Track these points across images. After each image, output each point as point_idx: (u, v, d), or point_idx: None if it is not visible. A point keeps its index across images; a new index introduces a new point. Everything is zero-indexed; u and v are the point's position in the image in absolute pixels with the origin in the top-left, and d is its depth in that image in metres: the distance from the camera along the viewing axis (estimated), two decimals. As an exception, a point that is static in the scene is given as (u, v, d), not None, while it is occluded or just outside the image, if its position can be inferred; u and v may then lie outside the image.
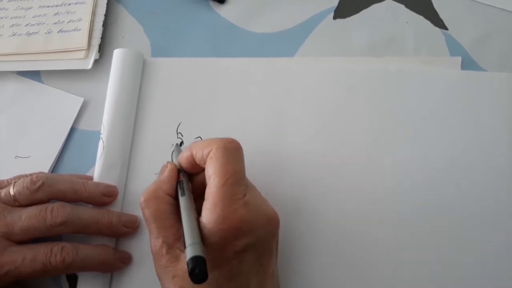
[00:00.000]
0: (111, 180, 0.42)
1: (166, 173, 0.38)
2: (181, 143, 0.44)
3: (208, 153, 0.35)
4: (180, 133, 0.45)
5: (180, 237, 0.34)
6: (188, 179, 0.38)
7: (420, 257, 0.40)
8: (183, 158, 0.38)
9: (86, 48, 0.48)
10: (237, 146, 0.36)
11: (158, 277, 0.35)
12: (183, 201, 0.35)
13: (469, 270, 0.39)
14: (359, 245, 0.40)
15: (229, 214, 0.33)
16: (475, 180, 0.41)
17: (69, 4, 0.51)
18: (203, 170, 0.36)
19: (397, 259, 0.40)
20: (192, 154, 0.37)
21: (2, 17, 0.51)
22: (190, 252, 0.31)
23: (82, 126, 0.47)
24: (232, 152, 0.35)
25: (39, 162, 0.45)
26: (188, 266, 0.30)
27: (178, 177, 0.38)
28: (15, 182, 0.39)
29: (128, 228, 0.41)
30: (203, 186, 0.35)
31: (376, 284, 0.39)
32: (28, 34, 0.50)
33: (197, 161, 0.36)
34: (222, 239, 0.33)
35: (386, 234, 0.40)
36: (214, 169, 0.34)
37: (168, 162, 0.39)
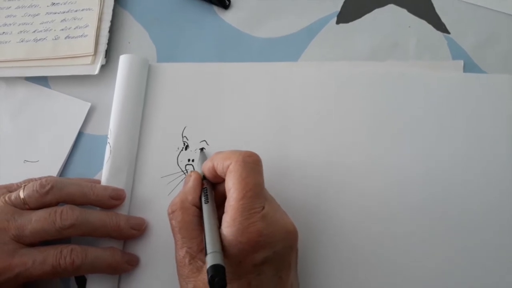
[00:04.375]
0: (118, 183, 0.43)
1: (190, 182, 0.39)
2: (186, 146, 0.45)
3: (228, 166, 0.36)
4: (185, 136, 0.45)
5: (203, 248, 0.34)
6: (212, 187, 0.39)
7: (423, 254, 0.40)
8: (205, 168, 0.39)
9: (92, 54, 0.49)
10: (256, 159, 0.36)
11: (180, 286, 0.35)
12: (206, 209, 0.36)
13: (470, 266, 0.40)
14: (360, 247, 0.41)
15: (247, 227, 0.33)
16: (478, 181, 0.42)
17: (76, 11, 0.51)
18: (224, 180, 0.36)
19: (400, 259, 0.40)
20: (213, 166, 0.38)
21: (10, 24, 0.52)
22: (210, 260, 0.31)
23: (89, 130, 0.47)
24: (251, 165, 0.35)
25: (48, 166, 0.46)
26: (208, 274, 0.30)
27: (202, 184, 0.39)
28: (25, 186, 0.40)
29: (135, 231, 0.41)
30: (224, 196, 0.36)
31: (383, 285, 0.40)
32: (36, 40, 0.50)
33: (218, 173, 0.37)
34: (240, 252, 0.33)
35: (387, 235, 0.41)
36: (233, 182, 0.35)
37: (191, 172, 0.40)
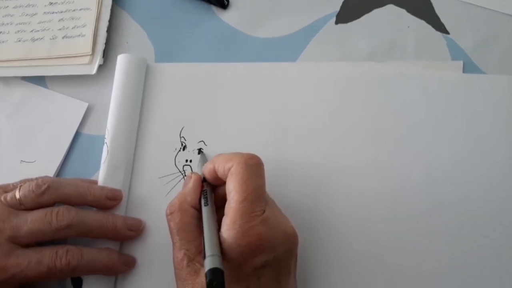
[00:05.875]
0: (115, 184, 0.43)
1: (190, 184, 0.38)
2: (184, 147, 0.45)
3: (229, 168, 0.35)
4: (183, 137, 0.45)
5: (201, 251, 0.34)
6: (212, 189, 0.39)
7: (424, 256, 0.40)
8: (206, 170, 0.38)
9: (90, 53, 0.49)
10: (258, 161, 0.36)
11: None
12: (205, 212, 0.36)
13: (471, 268, 0.39)
14: (360, 249, 0.40)
15: (248, 231, 0.33)
16: (476, 181, 0.41)
17: (74, 10, 0.51)
18: (225, 183, 0.36)
19: (400, 261, 0.40)
20: (214, 168, 0.37)
21: (7, 23, 0.51)
22: (208, 263, 0.31)
23: (87, 130, 0.47)
24: (252, 168, 0.35)
25: (44, 167, 0.45)
26: (206, 278, 0.30)
27: (202, 186, 0.38)
28: (20, 186, 0.39)
29: (132, 232, 0.41)
30: (224, 199, 0.35)
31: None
32: (33, 40, 0.50)
33: (219, 175, 0.37)
34: (240, 255, 0.33)
35: (387, 237, 0.41)
36: (234, 185, 0.34)
37: (192, 173, 0.40)
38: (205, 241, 0.33)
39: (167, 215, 0.37)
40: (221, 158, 0.37)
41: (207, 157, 0.44)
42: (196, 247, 0.35)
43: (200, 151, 0.44)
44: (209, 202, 0.37)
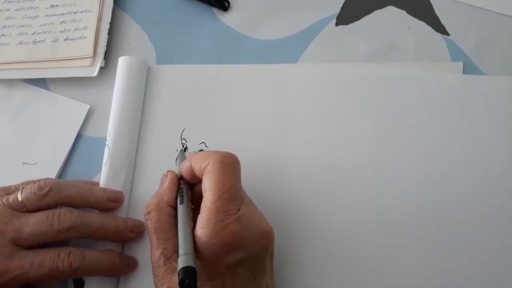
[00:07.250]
0: (117, 185, 0.43)
1: (166, 183, 0.38)
2: (185, 148, 0.45)
3: (206, 167, 0.35)
4: (184, 138, 0.45)
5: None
6: (188, 187, 0.39)
7: (422, 259, 0.40)
8: (184, 168, 0.38)
9: (91, 55, 0.49)
10: (234, 160, 0.36)
11: (155, 287, 0.35)
12: (180, 210, 0.36)
13: (470, 270, 0.39)
14: (359, 252, 0.40)
15: (221, 229, 0.33)
16: (476, 183, 0.41)
17: (75, 13, 0.51)
18: (202, 181, 0.36)
19: (400, 263, 0.40)
20: (191, 165, 0.37)
21: (9, 26, 0.52)
22: (181, 262, 0.31)
23: (88, 132, 0.47)
24: (228, 166, 0.35)
25: (46, 168, 0.46)
26: (178, 276, 0.30)
27: (179, 184, 0.39)
28: (23, 188, 0.39)
29: (134, 233, 0.41)
30: (201, 196, 0.36)
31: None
32: (35, 42, 0.50)
33: (196, 173, 0.37)
34: (214, 254, 0.33)
35: (387, 239, 0.41)
36: (209, 183, 0.34)
37: (168, 171, 0.40)
38: (179, 239, 0.33)
39: (144, 215, 0.37)
40: (198, 156, 0.37)
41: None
42: (173, 246, 0.35)
43: (185, 149, 0.45)
44: (184, 200, 0.37)
